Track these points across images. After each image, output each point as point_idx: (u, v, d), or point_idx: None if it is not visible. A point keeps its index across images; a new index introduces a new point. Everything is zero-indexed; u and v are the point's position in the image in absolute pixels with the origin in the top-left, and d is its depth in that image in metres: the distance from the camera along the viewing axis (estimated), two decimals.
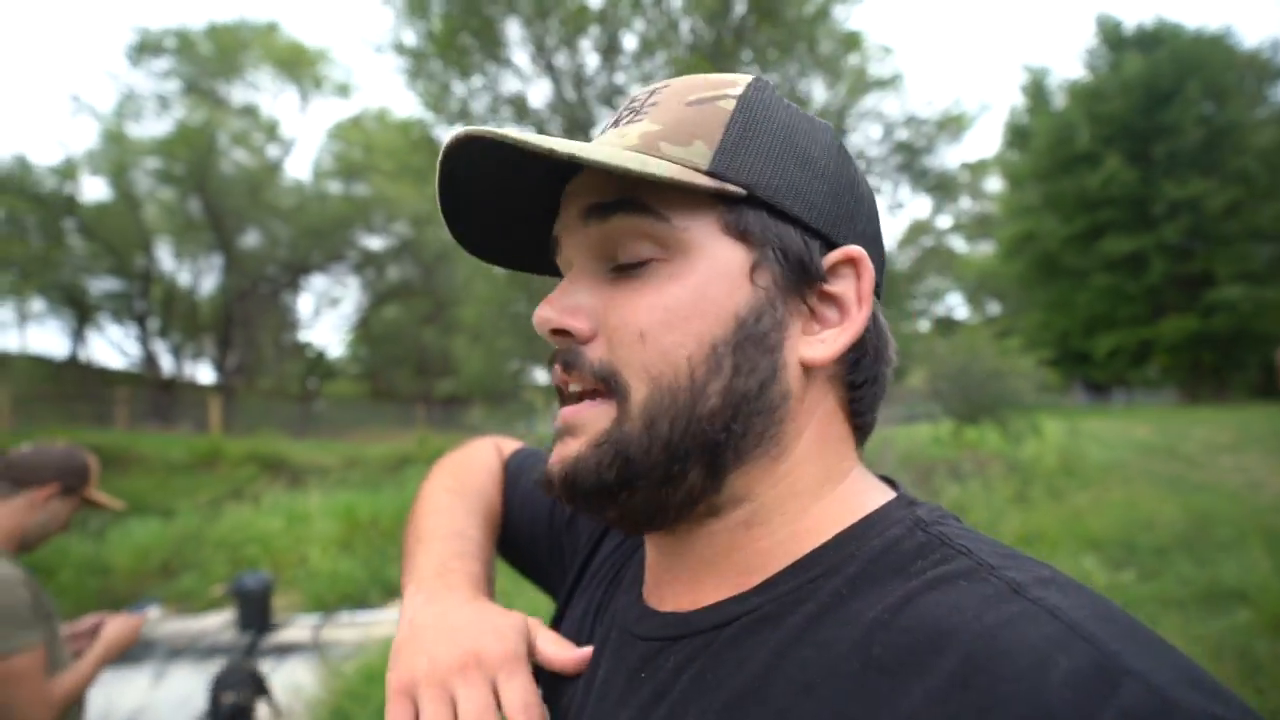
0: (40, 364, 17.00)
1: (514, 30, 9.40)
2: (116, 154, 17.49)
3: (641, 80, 9.58)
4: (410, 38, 9.53)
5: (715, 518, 0.39)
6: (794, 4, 8.02)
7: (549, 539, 0.61)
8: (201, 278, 20.72)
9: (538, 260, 0.48)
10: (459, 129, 0.35)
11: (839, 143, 0.42)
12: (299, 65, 20.18)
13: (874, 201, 0.43)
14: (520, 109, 9.88)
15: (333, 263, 22.51)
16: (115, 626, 1.53)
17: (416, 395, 22.87)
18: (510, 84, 9.90)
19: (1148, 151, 21.38)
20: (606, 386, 0.37)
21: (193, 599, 5.54)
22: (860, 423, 0.42)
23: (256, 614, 4.77)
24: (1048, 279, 23.26)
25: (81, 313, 19.17)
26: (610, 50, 9.37)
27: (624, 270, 0.38)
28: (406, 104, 33.06)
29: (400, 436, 14.59)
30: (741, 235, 0.37)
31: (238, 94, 19.56)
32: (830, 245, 0.39)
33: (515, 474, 0.67)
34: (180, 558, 6.10)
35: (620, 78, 9.65)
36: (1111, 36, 23.78)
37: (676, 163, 0.36)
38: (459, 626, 0.44)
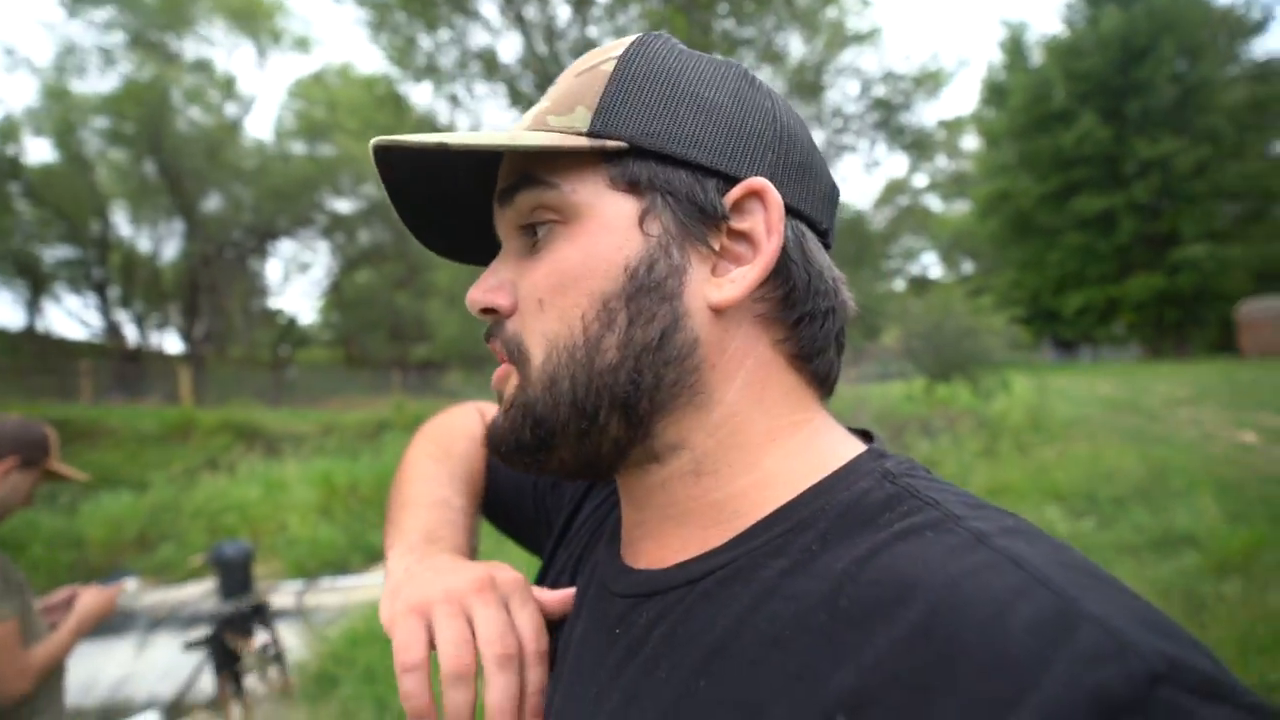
0: None
1: None
2: (60, 112, 16.50)
3: (615, 33, 9.28)
4: None
5: (658, 463, 0.39)
6: None
7: (533, 500, 0.62)
8: (162, 243, 19.97)
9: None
10: (373, 141, 0.37)
11: (748, 79, 0.40)
12: (254, 17, 19.11)
13: (799, 132, 0.40)
14: (490, 64, 9.53)
15: (300, 227, 21.84)
16: (90, 597, 1.53)
17: (392, 361, 22.61)
18: (479, 38, 9.53)
19: (1122, 109, 21.47)
20: (513, 355, 0.39)
21: (171, 570, 5.52)
22: (811, 368, 0.40)
23: (237, 582, 4.78)
24: (1021, 238, 23.55)
25: (35, 282, 18.38)
26: (582, 2, 9.02)
27: (534, 244, 0.39)
28: (371, 59, 31.69)
29: (376, 403, 14.46)
30: (630, 187, 0.37)
31: (190, 48, 18.52)
32: (733, 182, 0.37)
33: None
34: (156, 529, 6.05)
35: (593, 31, 9.33)
36: None
37: (558, 131, 0.37)
38: (465, 565, 0.46)
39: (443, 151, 0.37)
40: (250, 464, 8.02)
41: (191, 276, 19.05)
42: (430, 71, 9.67)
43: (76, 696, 3.45)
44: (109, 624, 4.57)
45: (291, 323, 25.08)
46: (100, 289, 19.44)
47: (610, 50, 0.40)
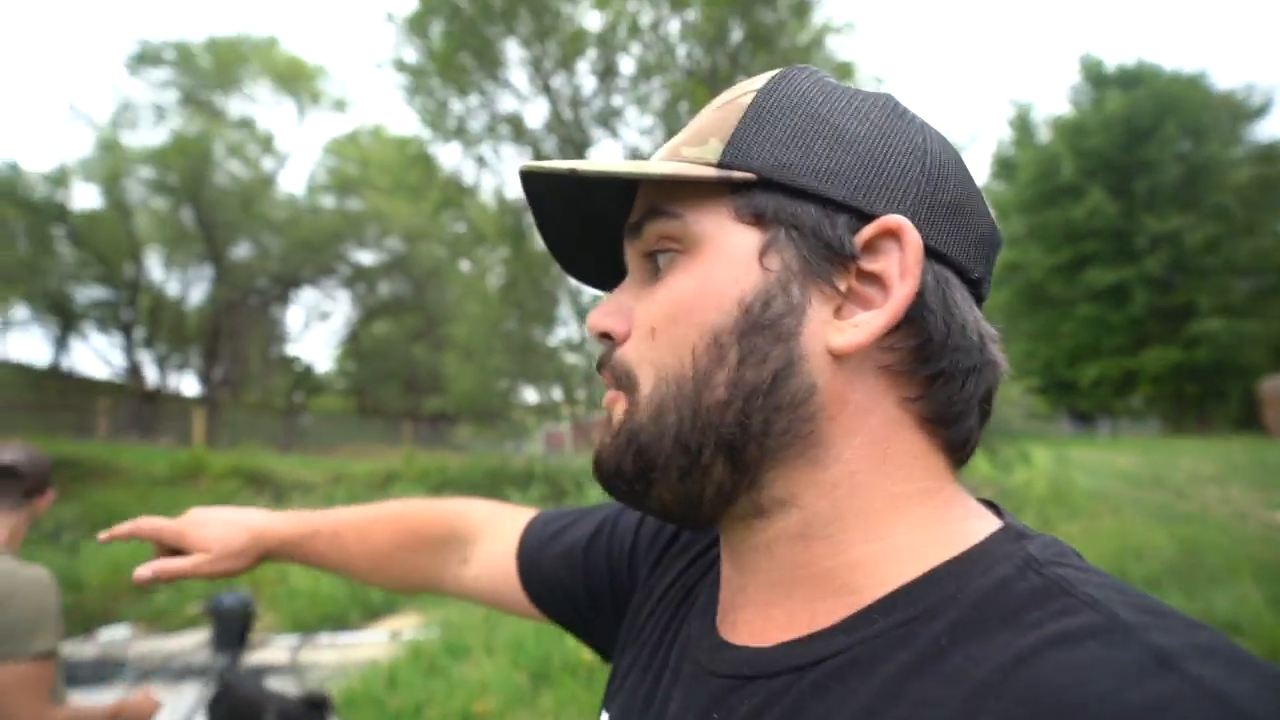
0: (20, 372, 16.65)
1: (513, 50, 9.54)
2: (110, 162, 17.39)
3: (638, 103, 9.72)
4: (410, 55, 9.64)
5: (764, 519, 0.36)
6: (789, 33, 8.20)
7: (584, 578, 0.58)
8: (190, 288, 20.55)
9: None
10: (519, 168, 0.38)
11: (897, 111, 0.37)
12: (297, 80, 20.30)
13: (953, 169, 0.37)
14: (517, 128, 9.98)
15: (323, 276, 22.42)
16: (137, 703, 1.48)
17: (404, 412, 22.67)
18: (508, 103, 10.02)
19: (1129, 186, 21.92)
20: (621, 382, 0.38)
21: (167, 617, 5.38)
22: (945, 434, 0.36)
23: (234, 634, 4.63)
24: (1033, 308, 23.62)
25: (66, 320, 18.87)
26: (607, 73, 9.52)
27: (655, 272, 0.38)
28: (403, 121, 33.32)
29: (386, 453, 14.40)
30: (755, 220, 0.35)
31: (235, 106, 19.60)
32: (868, 219, 0.34)
33: (541, 529, 0.64)
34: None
35: (617, 100, 9.79)
36: (1094, 74, 24.53)
37: (689, 161, 0.36)
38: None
39: (583, 183, 0.37)
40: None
41: (215, 321, 19.48)
42: (460, 134, 10.14)
43: None
44: (97, 671, 4.44)
45: (307, 370, 25.38)
46: (127, 329, 19.90)
47: (752, 83, 0.38)
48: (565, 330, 11.42)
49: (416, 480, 9.38)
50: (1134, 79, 23.23)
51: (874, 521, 0.34)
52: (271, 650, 4.67)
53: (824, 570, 0.35)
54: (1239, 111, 22.85)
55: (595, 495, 5.16)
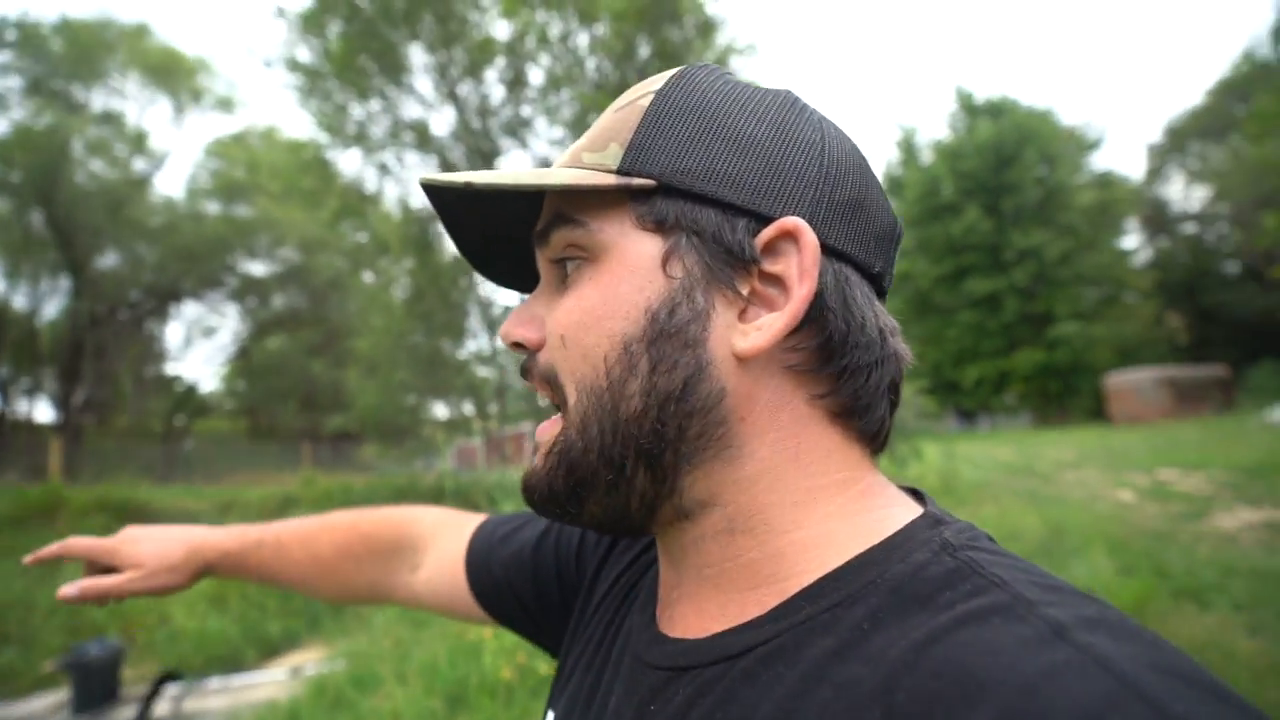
0: None
1: (417, 56, 9.25)
2: None
3: (547, 114, 9.70)
4: (305, 54, 9.12)
5: (690, 521, 0.37)
6: (695, 52, 8.48)
7: (533, 580, 0.59)
8: (43, 301, 18.24)
9: None
10: (419, 180, 0.37)
11: (796, 109, 0.37)
12: (174, 74, 18.61)
13: (851, 166, 0.37)
14: (422, 135, 9.67)
15: (208, 288, 20.62)
16: None
17: (302, 432, 21.17)
18: (412, 109, 9.70)
19: (999, 205, 24.36)
20: (552, 388, 0.38)
21: (14, 679, 4.72)
22: (855, 424, 0.37)
23: (99, 688, 4.12)
24: (921, 315, 25.63)
25: None
26: (516, 83, 9.43)
27: (565, 279, 0.38)
28: (297, 123, 31.39)
29: (283, 477, 13.39)
30: (657, 227, 0.35)
31: (98, 99, 17.69)
32: (767, 222, 0.35)
33: (490, 533, 0.64)
34: None
35: (526, 110, 9.72)
36: (967, 104, 27.16)
37: (590, 168, 0.36)
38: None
39: (483, 195, 0.37)
40: None
41: (75, 338, 17.38)
42: (360, 139, 9.69)
43: None
44: None
45: (190, 391, 23.17)
46: None
47: (651, 84, 0.38)
48: (475, 343, 11.13)
49: (316, 505, 8.79)
50: (999, 110, 25.96)
51: (795, 513, 0.35)
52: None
53: (750, 562, 0.36)
54: (1081, 144, 26.19)
55: (510, 510, 5.05)
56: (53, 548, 0.67)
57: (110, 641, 4.37)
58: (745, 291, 0.35)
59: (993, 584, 0.28)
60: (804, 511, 0.35)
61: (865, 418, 0.37)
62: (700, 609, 0.37)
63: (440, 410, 12.23)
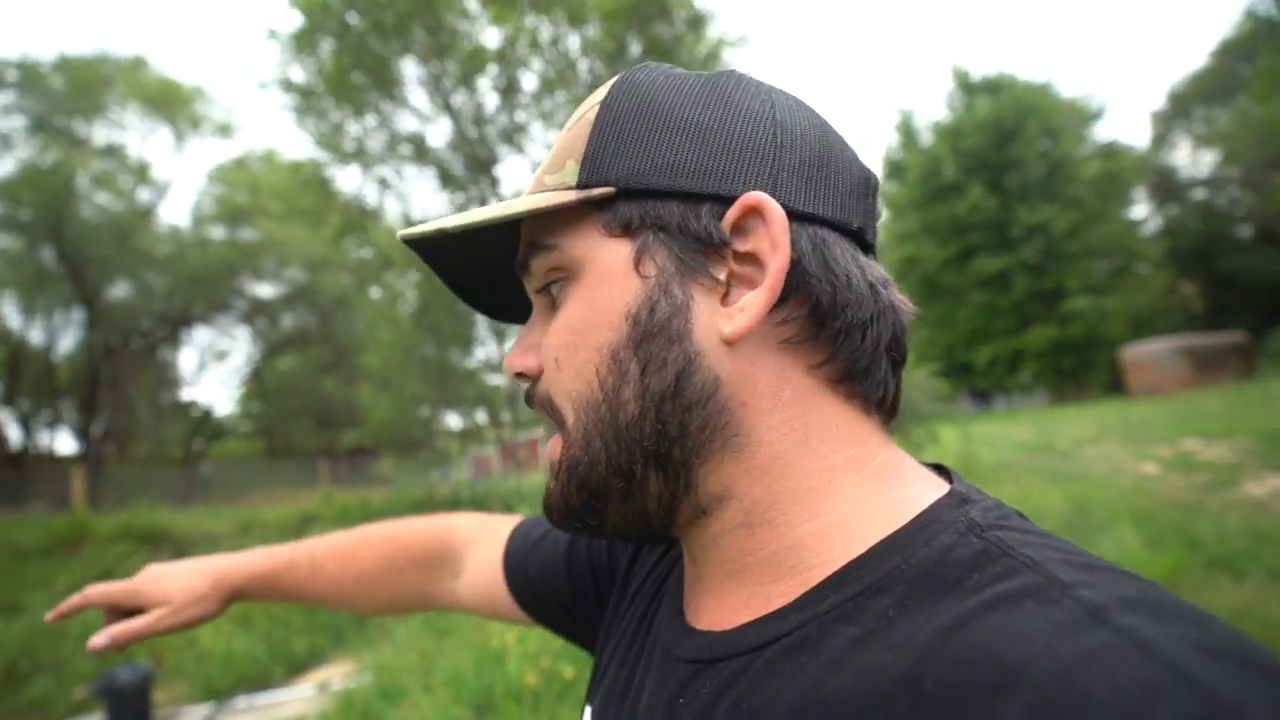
0: None
1: (410, 69, 9.29)
2: None
3: (542, 119, 9.71)
4: (298, 74, 9.19)
5: (708, 517, 0.37)
6: (686, 46, 8.45)
7: (569, 579, 0.59)
8: (58, 335, 18.51)
9: None
10: (399, 235, 0.39)
11: (740, 84, 0.37)
12: (172, 103, 18.83)
13: (807, 128, 0.36)
14: (419, 148, 9.71)
15: (218, 313, 20.86)
16: None
17: (318, 450, 21.37)
18: (408, 122, 9.74)
19: (1003, 182, 24.07)
20: (552, 414, 0.39)
21: (49, 707, 4.78)
22: (860, 391, 0.36)
23: (131, 713, 4.17)
24: (931, 298, 25.39)
25: None
26: (510, 89, 9.45)
27: (553, 304, 0.39)
28: (296, 143, 31.67)
29: (302, 495, 13.51)
30: (623, 231, 0.35)
31: (100, 133, 17.93)
32: (730, 202, 0.34)
33: (526, 534, 0.65)
34: (31, 659, 5.26)
35: (521, 116, 9.73)
36: (964, 83, 26.87)
37: (551, 189, 0.37)
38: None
39: (462, 236, 0.38)
40: None
41: (91, 369, 17.63)
42: (358, 155, 9.75)
43: None
44: None
45: (206, 415, 23.43)
46: None
47: (596, 95, 0.38)
48: (484, 351, 11.16)
49: (335, 521, 8.86)
50: (996, 86, 25.65)
51: (811, 500, 0.34)
52: None
53: (770, 554, 0.35)
54: (1083, 115, 25.83)
55: (526, 513, 5.04)
56: (73, 600, 0.66)
57: (140, 666, 4.41)
58: (723, 276, 0.35)
59: (1024, 565, 0.27)
60: (820, 498, 0.34)
61: (866, 379, 0.36)
62: (724, 602, 0.37)
63: (454, 420, 12.29)
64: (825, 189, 0.36)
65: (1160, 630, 0.23)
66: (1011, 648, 0.24)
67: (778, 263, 0.33)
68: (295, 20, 8.60)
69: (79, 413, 18.30)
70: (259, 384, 23.19)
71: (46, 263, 16.77)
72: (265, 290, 21.27)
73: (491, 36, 9.10)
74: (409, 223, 10.22)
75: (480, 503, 7.38)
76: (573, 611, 0.59)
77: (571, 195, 0.36)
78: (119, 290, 18.24)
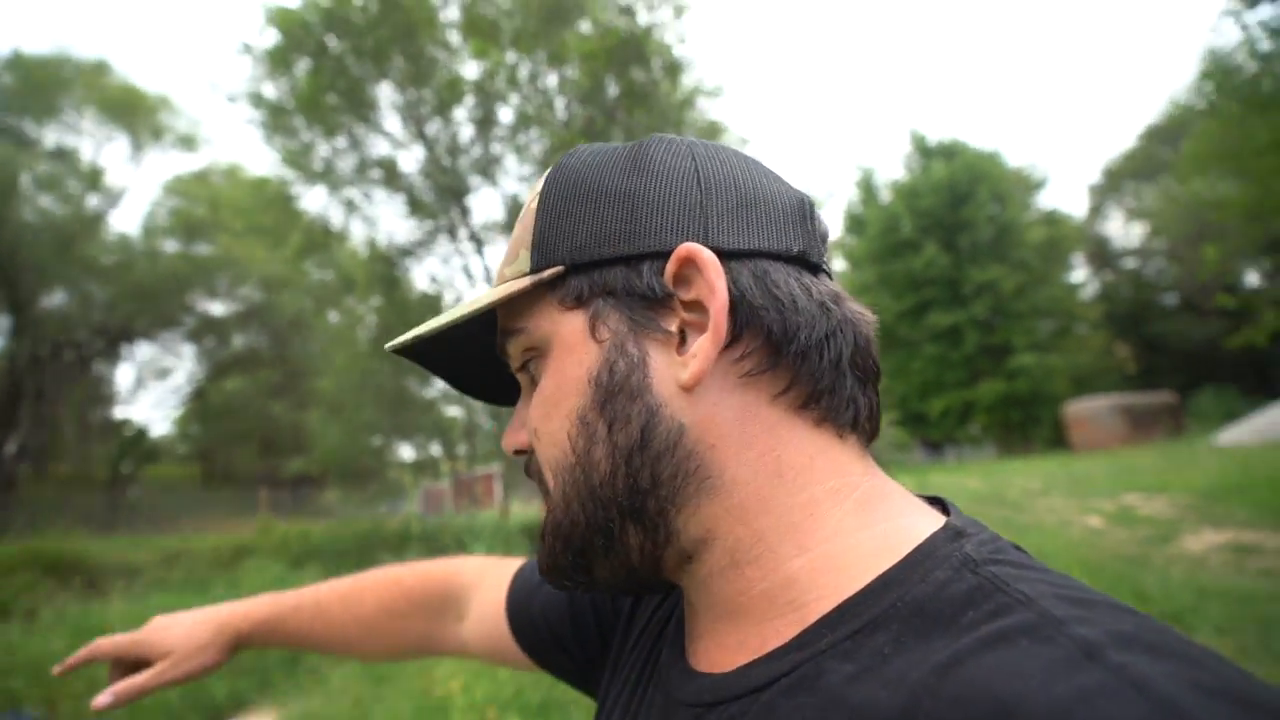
0: None
1: (386, 94, 9.26)
2: None
3: (516, 153, 9.76)
4: (270, 91, 9.05)
5: (695, 562, 0.37)
6: (664, 92, 8.68)
7: (572, 627, 0.59)
8: None
9: None
10: (386, 347, 0.43)
11: (664, 146, 0.39)
12: (133, 111, 18.29)
13: (729, 172, 0.38)
14: (390, 173, 9.62)
15: (163, 329, 19.92)
16: None
17: (259, 477, 20.29)
18: (380, 146, 9.66)
19: (956, 241, 25.34)
20: (541, 486, 0.41)
21: None
22: (827, 413, 0.36)
23: None
24: (887, 349, 26.17)
25: None
26: (485, 122, 9.50)
27: (532, 385, 0.41)
28: (262, 160, 31.10)
29: (238, 525, 12.73)
30: (576, 303, 0.38)
31: (51, 136, 17.22)
32: (668, 256, 0.36)
33: (529, 577, 0.64)
34: None
35: (496, 148, 9.78)
36: (921, 146, 28.48)
37: (511, 279, 0.40)
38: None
39: (445, 334, 0.41)
40: (58, 608, 6.58)
41: (13, 380, 16.48)
42: (326, 175, 9.59)
43: None
44: None
45: (140, 434, 22.08)
46: None
47: (535, 187, 0.41)
48: (443, 382, 10.88)
49: (273, 553, 8.33)
50: (951, 152, 27.25)
51: (796, 535, 0.34)
52: None
53: (762, 592, 0.35)
54: (1028, 183, 27.69)
55: (479, 551, 4.82)
56: (81, 654, 0.67)
57: (26, 714, 3.98)
58: (674, 327, 0.36)
59: (1018, 602, 0.27)
60: (805, 534, 0.34)
61: (832, 398, 0.36)
62: (721, 643, 0.37)
63: (407, 451, 11.87)
64: (756, 223, 0.37)
65: (1156, 668, 0.22)
66: (1006, 686, 0.24)
67: (717, 304, 0.34)
68: (271, 37, 8.51)
69: None
70: (201, 405, 22.06)
71: None
72: (217, 308, 20.49)
73: (470, 69, 9.19)
74: (374, 247, 10.05)
75: (431, 537, 7.06)
76: (576, 655, 0.58)
77: (526, 281, 0.38)
78: (55, 298, 17.26)
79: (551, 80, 9.17)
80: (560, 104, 9.26)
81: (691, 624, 0.41)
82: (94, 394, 20.67)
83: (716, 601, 0.37)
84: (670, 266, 0.35)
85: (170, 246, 19.30)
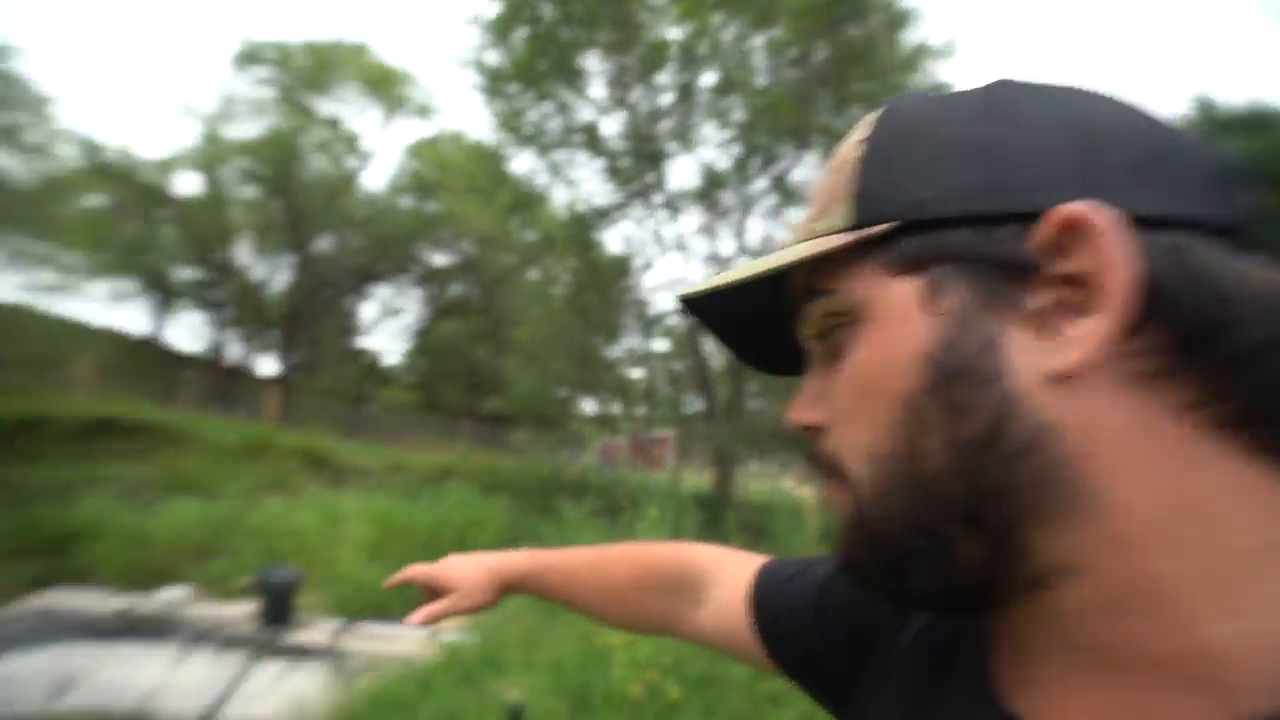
0: (121, 339, 18.06)
1: (592, 61, 9.61)
2: (211, 153, 18.70)
3: (717, 118, 9.59)
4: (492, 58, 9.88)
5: (1046, 590, 0.30)
6: (883, 51, 7.88)
7: (817, 627, 0.54)
8: (275, 275, 21.72)
9: None
10: (677, 295, 0.41)
11: (1027, 91, 0.32)
12: (385, 85, 21.24)
13: (1125, 125, 0.30)
14: (592, 137, 10.03)
15: (397, 274, 23.27)
16: None
17: (464, 410, 23.17)
18: (585, 112, 10.09)
19: None
20: (830, 472, 0.36)
21: (222, 584, 5.53)
22: (1269, 436, 0.27)
23: (280, 609, 4.71)
24: None
25: (164, 297, 20.33)
26: (686, 88, 9.44)
27: (835, 353, 0.36)
28: (480, 127, 34.45)
29: (444, 448, 14.70)
30: (909, 268, 0.32)
31: (325, 107, 20.70)
32: (1035, 218, 0.29)
33: (775, 573, 0.61)
34: (216, 541, 6.13)
35: (695, 115, 9.70)
36: (1207, 117, 22.93)
37: (822, 235, 0.35)
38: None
39: (739, 287, 0.38)
40: (314, 490, 8.16)
41: (294, 308, 20.51)
42: (535, 138, 10.29)
43: (105, 700, 3.37)
44: (152, 629, 4.58)
45: (376, 362, 26.37)
46: (216, 309, 21.27)
47: (858, 133, 0.36)
48: (629, 343, 11.32)
49: (469, 477, 9.46)
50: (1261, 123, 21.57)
51: (1219, 594, 0.26)
52: (313, 632, 4.71)
53: (1157, 655, 0.27)
54: None
55: (653, 513, 4.95)
56: (401, 574, 0.84)
57: (291, 569, 4.98)
58: (1036, 305, 0.29)
59: None
60: (1235, 594, 0.26)
61: (1274, 426, 0.27)
62: (1083, 703, 0.29)
63: (590, 405, 12.65)
64: (1167, 184, 0.29)
65: None
66: None
67: (1120, 279, 0.27)
68: (495, 8, 9.25)
69: (281, 342, 21.40)
70: (423, 343, 25.63)
71: (274, 213, 19.74)
72: (439, 259, 23.39)
73: (674, 33, 9.14)
74: (573, 211, 10.63)
75: (607, 490, 7.47)
76: (817, 656, 0.53)
77: (849, 236, 0.33)
78: (323, 244, 21.00)
79: (758, 41, 8.79)
80: (765, 67, 8.87)
81: (1015, 664, 0.33)
82: (345, 325, 25.01)
83: (1074, 646, 0.29)
84: (1045, 230, 0.28)
85: (406, 203, 22.37)
